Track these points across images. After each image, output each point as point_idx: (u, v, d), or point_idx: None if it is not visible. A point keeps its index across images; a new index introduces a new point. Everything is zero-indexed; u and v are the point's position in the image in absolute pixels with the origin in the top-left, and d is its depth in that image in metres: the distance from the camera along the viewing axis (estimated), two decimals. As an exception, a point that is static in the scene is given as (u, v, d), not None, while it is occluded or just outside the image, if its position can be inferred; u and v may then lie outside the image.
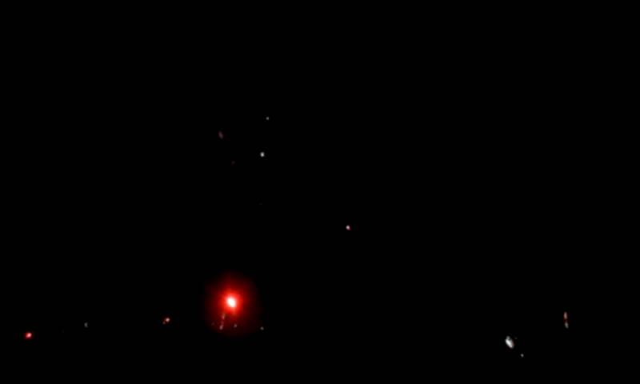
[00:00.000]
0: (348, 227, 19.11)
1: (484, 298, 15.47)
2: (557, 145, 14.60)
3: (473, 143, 15.40)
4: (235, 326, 24.02)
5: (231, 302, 23.94)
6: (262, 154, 21.17)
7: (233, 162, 20.89)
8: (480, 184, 15.30)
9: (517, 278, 15.14)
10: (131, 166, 20.43)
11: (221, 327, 23.87)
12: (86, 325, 23.36)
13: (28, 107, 17.20)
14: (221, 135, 15.86)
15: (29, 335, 22.27)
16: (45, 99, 17.24)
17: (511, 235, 15.06)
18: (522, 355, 15.33)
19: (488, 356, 15.42)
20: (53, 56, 16.64)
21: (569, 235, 14.46)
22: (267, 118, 19.56)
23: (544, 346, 14.82)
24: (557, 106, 14.61)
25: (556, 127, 14.63)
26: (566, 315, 14.31)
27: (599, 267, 14.09)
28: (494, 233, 15.14)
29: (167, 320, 24.90)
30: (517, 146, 15.02)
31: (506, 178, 15.11)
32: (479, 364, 15.43)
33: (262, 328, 23.01)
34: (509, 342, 15.29)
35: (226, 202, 22.18)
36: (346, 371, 19.56)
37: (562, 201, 14.54)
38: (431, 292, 17.01)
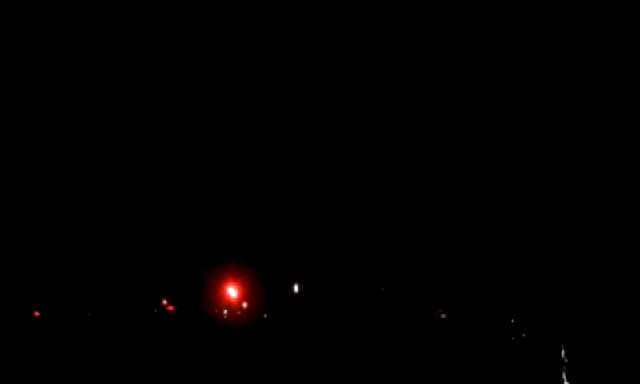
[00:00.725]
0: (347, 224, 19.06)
1: (484, 298, 15.57)
2: (556, 144, 14.61)
3: (472, 143, 15.41)
4: (238, 313, 24.17)
5: (234, 291, 24.08)
6: (262, 150, 21.09)
7: (234, 158, 20.80)
8: (480, 184, 15.34)
9: (516, 277, 15.23)
10: (133, 161, 20.39)
11: (224, 315, 24.00)
12: (89, 313, 23.52)
13: (28, 107, 17.18)
14: None
15: (29, 330, 22.38)
16: (45, 99, 17.22)
17: (511, 235, 15.12)
18: (523, 354, 15.44)
19: (487, 356, 15.56)
20: (53, 56, 16.59)
21: (569, 235, 14.52)
22: (266, 118, 19.44)
23: (543, 345, 14.93)
24: (556, 106, 14.61)
25: (555, 127, 14.64)
26: (565, 316, 14.42)
27: (599, 267, 14.15)
28: (493, 233, 15.21)
29: (171, 308, 25.02)
30: (516, 145, 15.03)
31: (506, 178, 15.15)
32: (479, 363, 15.56)
33: (265, 315, 23.09)
34: (512, 342, 15.37)
35: (226, 197, 22.16)
36: (343, 359, 19.71)
37: (561, 200, 14.58)
38: (430, 291, 17.08)
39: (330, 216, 19.98)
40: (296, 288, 23.34)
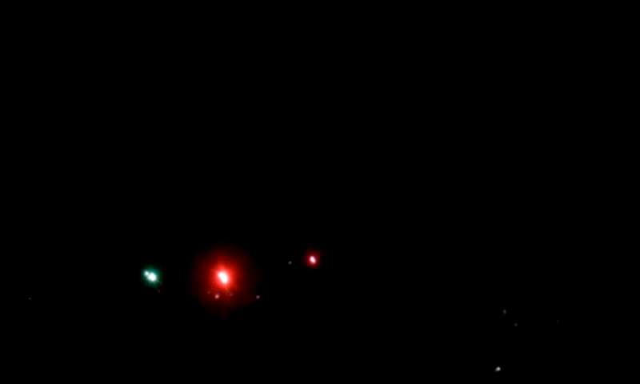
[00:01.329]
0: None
1: (483, 299, 15.85)
2: (556, 145, 14.88)
3: (472, 143, 15.59)
4: (231, 295, 24.27)
5: (226, 275, 24.13)
6: (254, 132, 21.08)
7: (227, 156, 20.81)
8: (480, 184, 15.56)
9: (516, 278, 15.54)
10: (129, 157, 20.31)
11: (217, 296, 24.11)
12: (69, 294, 23.24)
13: (28, 107, 17.02)
14: None
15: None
16: (45, 99, 17.07)
17: (511, 236, 15.40)
18: (522, 354, 15.79)
19: (487, 356, 15.90)
20: (53, 56, 16.41)
21: (569, 236, 14.87)
22: (264, 118, 19.41)
23: (542, 346, 15.31)
24: (557, 106, 14.85)
25: (556, 127, 14.90)
26: (564, 316, 14.83)
27: (599, 267, 14.55)
28: (493, 234, 15.48)
29: (160, 292, 24.92)
30: (515, 146, 15.25)
31: (506, 179, 15.39)
32: (480, 364, 15.89)
33: (257, 297, 23.27)
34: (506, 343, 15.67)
35: (221, 185, 22.19)
36: (339, 346, 19.98)
37: (561, 201, 14.91)
38: (429, 293, 17.27)
39: (324, 200, 20.21)
40: (290, 271, 23.58)
